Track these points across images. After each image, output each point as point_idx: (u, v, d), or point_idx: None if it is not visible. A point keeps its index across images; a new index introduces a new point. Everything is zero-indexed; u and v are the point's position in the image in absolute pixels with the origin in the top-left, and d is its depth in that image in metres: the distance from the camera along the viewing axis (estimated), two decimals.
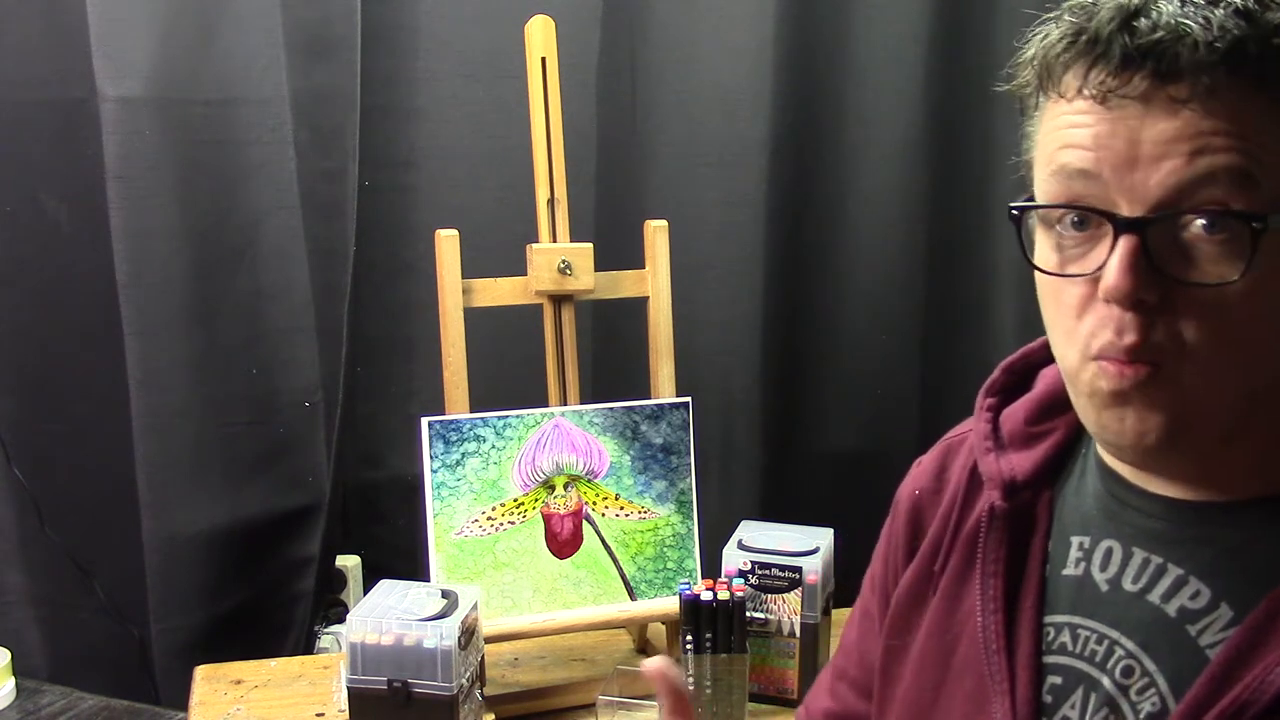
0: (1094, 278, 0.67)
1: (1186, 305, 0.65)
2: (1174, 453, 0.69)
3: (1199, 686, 0.68)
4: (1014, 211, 0.73)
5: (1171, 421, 0.67)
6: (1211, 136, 0.63)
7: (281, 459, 1.74)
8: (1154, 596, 0.72)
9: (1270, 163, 0.64)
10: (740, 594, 1.36)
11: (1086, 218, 0.68)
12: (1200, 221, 0.64)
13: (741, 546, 1.45)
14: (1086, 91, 0.66)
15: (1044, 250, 0.72)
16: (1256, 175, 0.63)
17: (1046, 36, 0.69)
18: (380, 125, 1.72)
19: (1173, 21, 0.64)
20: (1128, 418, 0.68)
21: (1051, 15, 0.70)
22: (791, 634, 1.42)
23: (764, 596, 1.42)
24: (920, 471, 0.91)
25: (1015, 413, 0.84)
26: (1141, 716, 0.70)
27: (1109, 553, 0.76)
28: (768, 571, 1.42)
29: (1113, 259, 0.65)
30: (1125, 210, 0.66)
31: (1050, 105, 0.70)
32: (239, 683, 1.48)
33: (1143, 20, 0.65)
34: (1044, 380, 0.84)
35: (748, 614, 1.38)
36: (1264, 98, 0.64)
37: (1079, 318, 0.69)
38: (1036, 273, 0.73)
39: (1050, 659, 0.76)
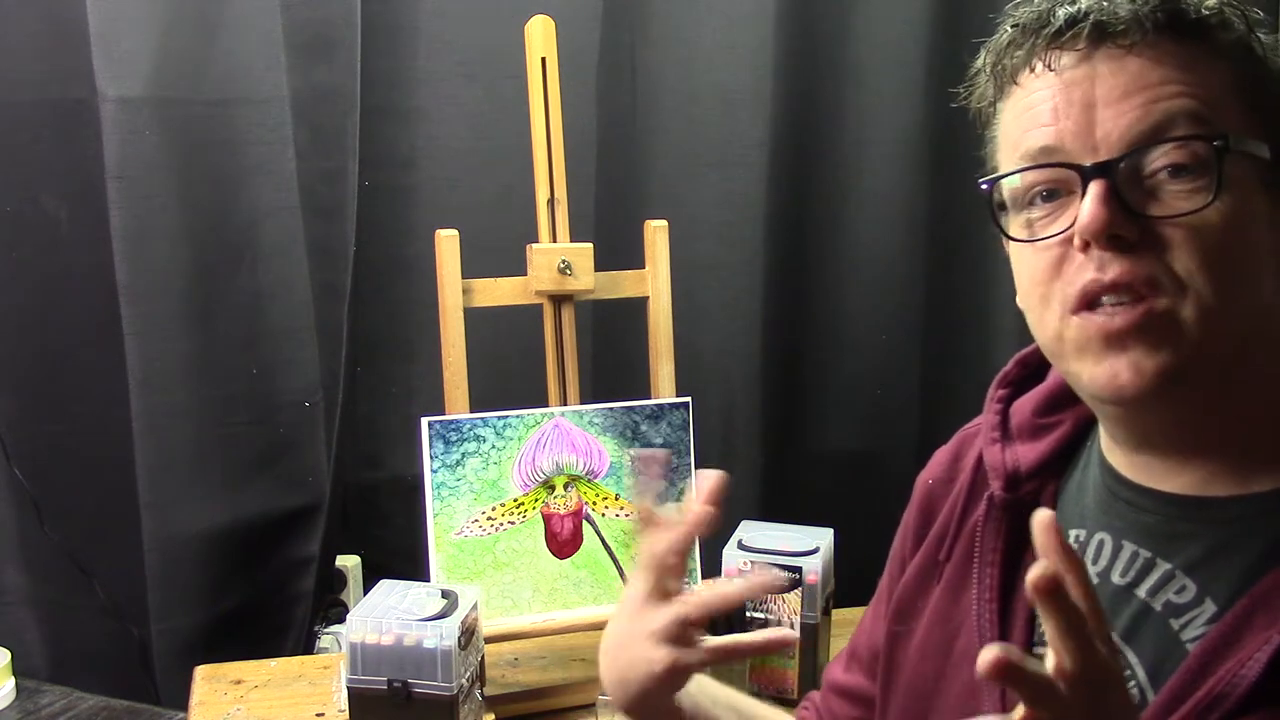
0: (1067, 236, 0.69)
1: (1167, 241, 0.67)
2: (1170, 399, 0.69)
3: (1176, 679, 0.68)
4: (983, 186, 0.75)
5: (1172, 361, 0.67)
6: (1161, 85, 0.66)
7: (281, 459, 1.73)
8: (1141, 591, 0.73)
9: (1216, 107, 0.67)
10: None
11: (1055, 189, 0.70)
12: (1163, 161, 0.66)
13: (741, 546, 1.45)
14: (1038, 67, 0.69)
15: (1016, 234, 0.74)
16: (1208, 116, 0.66)
17: (995, 41, 0.73)
18: (380, 125, 1.72)
19: None
20: (1125, 362, 0.68)
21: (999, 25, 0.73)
22: None
23: (764, 596, 1.42)
24: (936, 461, 0.92)
25: (1024, 405, 0.85)
26: None
27: (1100, 545, 0.77)
28: None
29: (1085, 202, 0.67)
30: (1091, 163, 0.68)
31: (1009, 102, 0.73)
32: (239, 683, 1.47)
33: None
34: (1055, 373, 0.85)
35: (748, 614, 1.38)
36: (1204, 47, 0.67)
37: (1054, 280, 0.70)
38: (1012, 255, 0.74)
39: (1041, 650, 0.77)
